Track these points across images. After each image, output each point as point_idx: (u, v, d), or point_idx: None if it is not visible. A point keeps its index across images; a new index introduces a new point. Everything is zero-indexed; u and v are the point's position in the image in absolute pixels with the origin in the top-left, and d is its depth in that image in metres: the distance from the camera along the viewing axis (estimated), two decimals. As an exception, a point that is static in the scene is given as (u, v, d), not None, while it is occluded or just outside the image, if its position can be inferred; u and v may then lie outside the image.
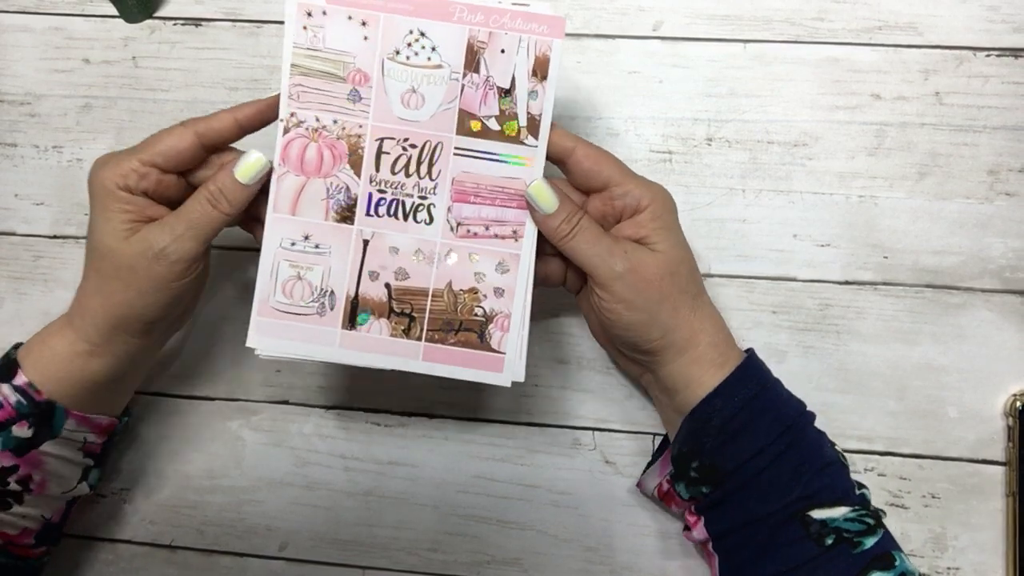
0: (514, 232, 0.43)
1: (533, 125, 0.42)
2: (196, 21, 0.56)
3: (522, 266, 0.43)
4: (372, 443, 0.53)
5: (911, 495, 0.50)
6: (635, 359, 0.46)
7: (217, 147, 0.43)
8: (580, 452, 0.52)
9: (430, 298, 0.43)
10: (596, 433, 0.52)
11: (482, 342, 0.43)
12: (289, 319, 0.43)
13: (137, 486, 0.54)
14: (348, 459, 0.53)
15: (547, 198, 0.42)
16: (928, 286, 0.51)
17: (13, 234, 0.56)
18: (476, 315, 0.43)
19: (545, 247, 0.44)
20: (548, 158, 0.43)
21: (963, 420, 0.50)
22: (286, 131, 0.42)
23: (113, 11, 0.56)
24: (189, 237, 0.41)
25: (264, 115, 0.43)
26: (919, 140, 0.51)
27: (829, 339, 0.51)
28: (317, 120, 0.42)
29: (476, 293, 0.43)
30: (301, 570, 0.53)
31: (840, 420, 0.50)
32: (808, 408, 0.44)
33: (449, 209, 0.43)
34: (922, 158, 0.51)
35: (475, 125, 0.42)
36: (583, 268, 0.42)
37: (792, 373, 0.51)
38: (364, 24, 0.42)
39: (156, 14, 0.56)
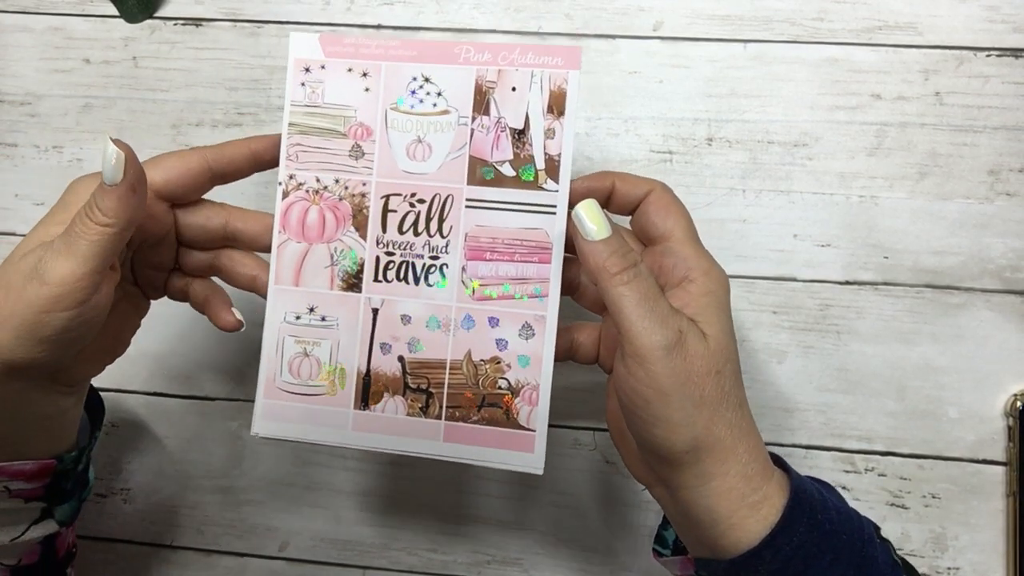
0: (537, 291, 0.39)
1: (552, 167, 0.38)
2: (196, 21, 0.56)
3: (548, 329, 0.38)
4: (372, 443, 0.53)
5: (911, 495, 0.50)
6: (651, 465, 0.37)
7: (227, 177, 0.40)
8: (580, 452, 0.52)
9: (448, 371, 0.39)
10: (596, 433, 0.52)
11: (508, 419, 0.39)
12: (297, 400, 0.40)
13: (137, 486, 0.54)
14: (348, 459, 0.53)
15: (598, 218, 0.35)
16: (928, 286, 0.51)
17: (13, 234, 0.56)
18: (500, 388, 0.39)
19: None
20: (622, 212, 0.39)
21: (963, 420, 0.50)
22: (285, 195, 0.40)
23: (113, 11, 0.56)
24: (67, 254, 0.34)
25: (278, 147, 0.40)
26: (919, 140, 0.51)
27: (829, 339, 0.51)
28: (318, 181, 0.40)
29: (499, 363, 0.39)
30: (301, 570, 0.53)
31: (840, 420, 0.50)
32: (866, 518, 0.37)
33: (464, 268, 0.39)
34: (922, 158, 0.51)
35: (488, 172, 0.39)
36: (620, 328, 0.34)
37: (792, 373, 0.51)
38: (365, 75, 0.39)
39: (156, 14, 0.56)
